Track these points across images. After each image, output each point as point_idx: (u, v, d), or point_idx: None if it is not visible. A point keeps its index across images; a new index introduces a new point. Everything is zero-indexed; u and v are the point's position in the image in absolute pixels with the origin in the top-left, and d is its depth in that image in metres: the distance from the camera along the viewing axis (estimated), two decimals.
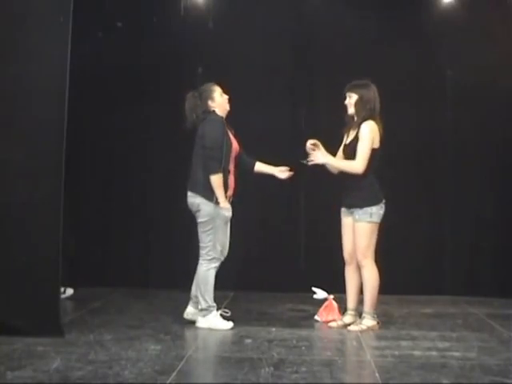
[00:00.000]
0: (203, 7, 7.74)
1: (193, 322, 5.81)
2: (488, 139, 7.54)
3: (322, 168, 5.98)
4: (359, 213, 5.75)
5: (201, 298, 5.73)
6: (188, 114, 5.84)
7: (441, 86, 7.68)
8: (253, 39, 7.52)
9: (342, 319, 5.97)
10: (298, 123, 7.61)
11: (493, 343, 5.37)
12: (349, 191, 5.81)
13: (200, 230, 5.75)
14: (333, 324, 5.96)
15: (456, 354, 5.02)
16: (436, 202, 7.73)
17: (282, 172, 6.11)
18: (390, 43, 7.50)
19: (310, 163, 5.84)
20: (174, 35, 7.61)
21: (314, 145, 5.85)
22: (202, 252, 5.75)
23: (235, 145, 5.93)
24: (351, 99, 5.89)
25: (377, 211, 5.77)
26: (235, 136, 5.95)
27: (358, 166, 5.75)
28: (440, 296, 7.43)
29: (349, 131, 5.96)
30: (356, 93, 5.87)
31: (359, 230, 5.77)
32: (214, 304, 5.77)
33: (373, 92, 5.87)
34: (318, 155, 5.82)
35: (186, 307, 5.92)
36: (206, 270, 5.72)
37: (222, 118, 5.85)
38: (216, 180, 5.67)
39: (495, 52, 7.34)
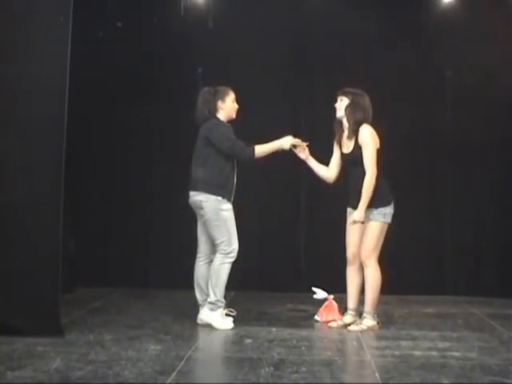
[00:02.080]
0: (203, 7, 7.73)
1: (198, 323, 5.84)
2: (488, 139, 7.53)
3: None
4: (374, 213, 5.72)
5: (211, 291, 5.73)
6: (200, 107, 5.85)
7: (441, 86, 7.67)
8: (253, 39, 7.51)
9: (342, 319, 5.97)
10: (298, 123, 7.59)
11: (493, 343, 5.36)
12: (358, 192, 5.71)
13: (211, 226, 5.75)
14: (333, 324, 5.96)
15: (456, 353, 5.02)
16: (436, 202, 7.73)
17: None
18: (390, 43, 7.49)
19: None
20: (174, 35, 7.60)
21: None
22: (219, 248, 5.75)
23: None
24: (342, 102, 5.86)
25: (389, 211, 5.76)
26: None
27: (372, 175, 5.67)
28: (440, 296, 7.43)
29: (340, 140, 5.91)
30: (348, 97, 5.84)
31: (371, 230, 5.74)
32: (223, 300, 5.76)
33: (367, 100, 5.84)
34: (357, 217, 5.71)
35: (185, 306, 5.92)
36: (220, 264, 5.72)
37: (223, 121, 5.87)
38: (257, 154, 5.80)
39: (495, 52, 7.33)
